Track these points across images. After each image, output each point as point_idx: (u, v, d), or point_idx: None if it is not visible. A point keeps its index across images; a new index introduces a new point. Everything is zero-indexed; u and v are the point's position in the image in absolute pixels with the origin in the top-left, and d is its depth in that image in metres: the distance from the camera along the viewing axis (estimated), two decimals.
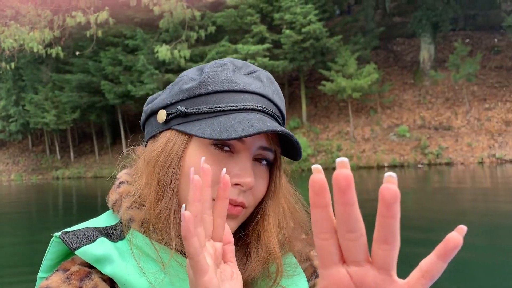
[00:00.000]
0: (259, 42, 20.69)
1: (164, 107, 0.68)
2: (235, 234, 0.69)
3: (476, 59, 19.85)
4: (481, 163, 17.63)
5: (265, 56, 20.03)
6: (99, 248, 0.60)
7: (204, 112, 0.65)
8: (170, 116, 0.67)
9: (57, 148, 34.15)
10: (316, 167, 0.36)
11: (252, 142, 0.66)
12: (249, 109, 0.65)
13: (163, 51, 19.59)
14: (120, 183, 0.70)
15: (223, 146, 0.65)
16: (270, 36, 20.71)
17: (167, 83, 22.26)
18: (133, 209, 0.65)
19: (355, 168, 19.35)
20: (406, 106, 21.93)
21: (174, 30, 21.12)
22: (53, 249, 0.63)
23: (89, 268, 0.61)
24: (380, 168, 19.07)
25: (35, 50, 20.31)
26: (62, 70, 28.36)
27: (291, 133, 0.62)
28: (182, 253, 0.64)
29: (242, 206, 0.65)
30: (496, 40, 25.10)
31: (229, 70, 0.68)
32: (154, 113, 0.70)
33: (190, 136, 0.65)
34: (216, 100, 0.65)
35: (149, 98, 0.75)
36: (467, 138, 18.85)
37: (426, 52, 23.24)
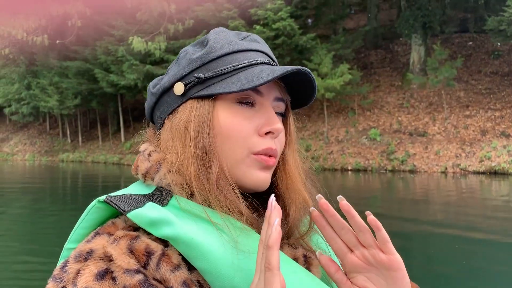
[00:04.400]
0: None
1: (179, 80, 0.70)
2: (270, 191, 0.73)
3: (456, 63, 18.85)
4: (443, 172, 16.79)
5: None
6: (152, 211, 0.60)
7: (221, 74, 0.68)
8: (189, 85, 0.69)
9: (68, 132, 35.65)
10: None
11: (269, 93, 0.70)
12: (260, 63, 0.70)
13: (137, 42, 20.00)
14: (151, 151, 0.71)
15: (246, 101, 0.68)
16: (247, 31, 20.60)
17: (147, 74, 22.69)
18: (173, 174, 0.66)
19: (320, 170, 18.97)
20: (387, 109, 21.18)
21: (155, 22, 21.47)
22: (91, 216, 0.63)
23: (134, 231, 0.61)
24: (344, 171, 18.60)
25: (19, 37, 21.28)
26: (68, 57, 29.52)
27: (309, 71, 0.69)
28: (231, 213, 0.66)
29: (275, 155, 0.70)
30: (499, 44, 23.64)
31: (230, 34, 0.72)
32: (166, 90, 0.72)
33: (213, 99, 0.68)
34: (229, 61, 0.69)
35: (152, 82, 0.77)
36: (437, 145, 17.99)
37: (416, 54, 22.28)
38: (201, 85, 0.68)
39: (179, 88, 0.70)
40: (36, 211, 10.75)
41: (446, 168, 16.85)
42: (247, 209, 0.66)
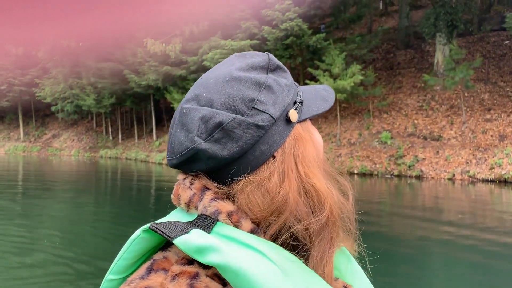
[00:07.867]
0: (249, 38, 20.67)
1: (290, 107, 0.66)
2: None
3: (474, 63, 17.67)
4: (451, 179, 15.79)
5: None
6: (199, 238, 0.56)
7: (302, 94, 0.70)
8: (298, 111, 0.67)
9: (110, 130, 37.38)
10: None
11: None
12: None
13: (152, 44, 20.58)
14: (192, 179, 0.66)
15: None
16: (259, 32, 20.57)
17: (166, 74, 23.26)
18: (218, 201, 0.63)
19: None
20: (404, 112, 20.25)
21: (173, 24, 21.99)
22: (135, 247, 0.60)
23: (189, 265, 0.58)
24: (350, 175, 18.03)
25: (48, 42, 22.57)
26: (104, 58, 30.93)
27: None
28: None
29: None
30: None
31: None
32: (276, 119, 0.64)
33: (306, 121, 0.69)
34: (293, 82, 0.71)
35: (227, 116, 0.62)
36: (449, 151, 16.95)
37: (440, 54, 21.12)
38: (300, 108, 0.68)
39: (294, 116, 0.66)
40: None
41: (453, 175, 15.86)
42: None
